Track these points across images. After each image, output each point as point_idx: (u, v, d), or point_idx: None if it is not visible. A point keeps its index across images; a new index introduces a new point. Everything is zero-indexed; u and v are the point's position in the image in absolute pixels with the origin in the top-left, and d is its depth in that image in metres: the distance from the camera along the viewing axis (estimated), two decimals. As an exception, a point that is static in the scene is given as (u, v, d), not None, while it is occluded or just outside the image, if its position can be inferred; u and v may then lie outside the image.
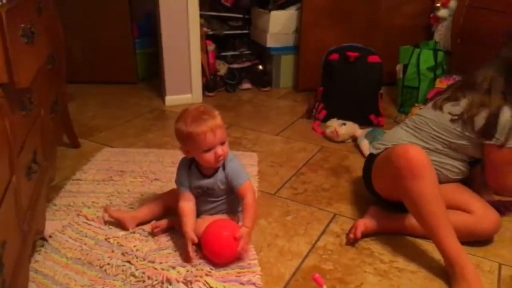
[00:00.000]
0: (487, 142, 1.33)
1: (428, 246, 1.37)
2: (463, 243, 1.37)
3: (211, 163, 1.33)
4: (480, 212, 1.35)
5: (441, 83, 2.36)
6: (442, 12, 2.66)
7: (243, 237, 1.26)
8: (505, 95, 1.32)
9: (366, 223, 1.41)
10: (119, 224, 1.45)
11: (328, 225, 1.51)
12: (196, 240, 1.28)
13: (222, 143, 1.32)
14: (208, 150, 1.30)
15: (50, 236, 1.38)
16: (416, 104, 2.39)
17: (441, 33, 2.76)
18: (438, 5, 2.68)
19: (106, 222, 1.46)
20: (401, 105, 2.57)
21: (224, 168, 1.37)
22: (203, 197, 1.39)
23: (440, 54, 2.49)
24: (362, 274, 1.28)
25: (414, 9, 2.85)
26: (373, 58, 2.38)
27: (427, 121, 1.44)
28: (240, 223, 1.47)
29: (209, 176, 1.37)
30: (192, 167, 1.39)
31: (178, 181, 1.41)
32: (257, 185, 1.75)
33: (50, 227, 1.40)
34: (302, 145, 2.17)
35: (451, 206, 1.37)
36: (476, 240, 1.38)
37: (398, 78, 2.60)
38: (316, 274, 1.11)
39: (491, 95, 1.33)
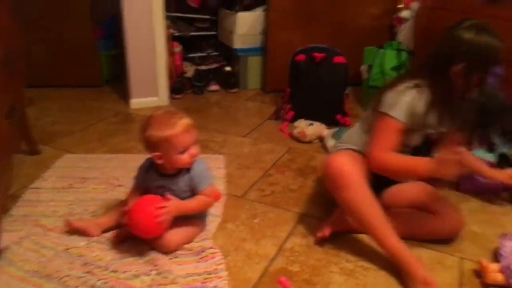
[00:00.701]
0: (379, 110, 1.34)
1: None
2: (427, 240, 1.40)
3: (186, 163, 1.34)
4: (444, 213, 1.37)
5: (405, 83, 2.41)
6: (405, 13, 2.72)
7: (166, 210, 1.27)
8: (421, 82, 1.33)
9: (333, 222, 1.42)
10: (82, 234, 1.40)
11: (295, 226, 1.51)
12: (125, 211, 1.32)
13: (195, 143, 1.35)
14: (184, 151, 1.31)
15: (6, 249, 1.31)
16: (381, 104, 2.43)
17: (404, 33, 2.82)
18: (401, 6, 2.74)
19: (66, 232, 1.41)
20: (366, 105, 2.61)
21: (188, 171, 1.35)
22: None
23: (404, 54, 2.54)
24: (328, 275, 1.28)
25: (378, 10, 2.90)
26: (339, 59, 2.40)
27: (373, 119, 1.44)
28: (206, 228, 1.46)
29: (171, 176, 1.36)
30: (151, 169, 1.38)
31: (135, 181, 1.44)
32: (224, 188, 1.74)
33: (6, 239, 1.33)
34: (270, 146, 2.16)
35: (415, 205, 1.40)
36: (440, 239, 1.40)
37: (363, 79, 2.64)
38: (281, 277, 1.10)
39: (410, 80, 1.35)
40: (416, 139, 1.38)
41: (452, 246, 1.41)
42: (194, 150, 1.33)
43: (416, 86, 1.32)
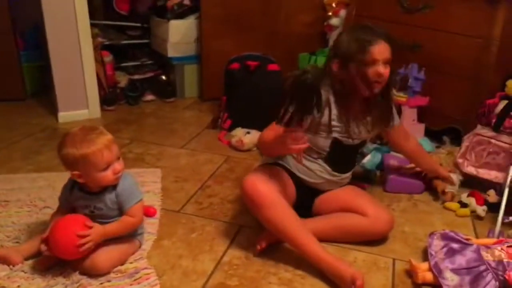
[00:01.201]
0: None
1: (330, 249, 1.41)
2: (359, 242, 1.44)
3: (110, 180, 1.27)
4: (373, 214, 1.42)
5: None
6: (334, 21, 2.81)
7: (89, 238, 1.21)
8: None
9: (269, 234, 1.41)
10: (3, 262, 1.29)
11: (234, 238, 1.49)
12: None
13: (118, 158, 1.28)
14: (106, 168, 1.24)
15: None
16: (316, 109, 2.48)
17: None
18: (330, 14, 2.82)
19: (-16, 263, 1.29)
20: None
21: (115, 188, 1.29)
22: (95, 218, 1.29)
23: (335, 60, 2.62)
24: (267, 286, 1.27)
25: (309, 18, 2.97)
26: (273, 67, 2.43)
27: None
28: (141, 247, 1.40)
29: (97, 193, 1.29)
30: (75, 188, 1.31)
31: (59, 201, 1.38)
32: (160, 203, 1.68)
33: None
34: (208, 156, 2.13)
35: (345, 209, 1.43)
36: (371, 240, 1.45)
37: (298, 85, 2.68)
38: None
39: None
40: (322, 142, 1.43)
41: (385, 247, 1.46)
42: (117, 165, 1.26)
43: None
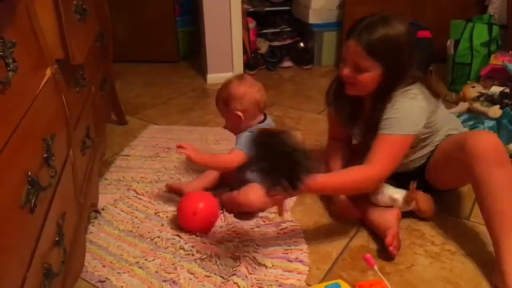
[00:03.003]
0: None
1: (480, 229, 1.31)
2: None
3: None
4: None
5: (496, 59, 2.24)
6: (498, -17, 2.49)
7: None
8: None
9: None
10: (179, 192, 1.49)
11: (375, 205, 1.48)
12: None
13: None
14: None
15: (102, 209, 1.43)
16: (468, 82, 2.27)
17: (496, 6, 2.59)
18: (494, -25, 2.51)
19: (155, 197, 1.50)
20: (451, 83, 2.45)
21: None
22: None
23: (495, 29, 2.34)
24: (412, 256, 1.24)
25: (467, -20, 2.68)
26: (423, 33, 2.27)
27: None
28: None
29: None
30: None
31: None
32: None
33: (102, 200, 1.45)
34: (346, 124, 2.12)
35: None
36: None
37: (448, 54, 2.47)
38: (367, 254, 1.09)
39: None
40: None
41: None
42: None
43: None
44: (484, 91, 2.01)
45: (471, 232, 1.34)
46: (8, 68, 0.74)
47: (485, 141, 1.16)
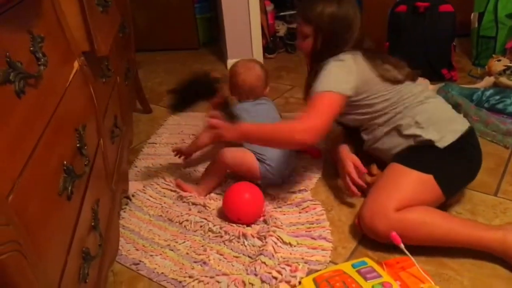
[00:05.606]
0: None
1: (508, 205, 1.30)
2: None
3: None
4: None
5: (523, 31, 2.16)
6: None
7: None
8: None
9: None
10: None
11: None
12: None
13: None
14: None
15: (133, 195, 1.48)
16: (493, 56, 2.21)
17: (522, -26, 2.49)
18: None
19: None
20: (476, 57, 2.39)
21: None
22: None
23: (522, -1, 2.26)
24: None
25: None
26: (445, 7, 2.21)
27: None
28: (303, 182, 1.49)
29: None
30: None
31: None
32: (324, 146, 1.74)
33: (132, 186, 1.50)
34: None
35: None
36: None
37: (472, 28, 2.41)
38: (393, 231, 1.10)
39: None
40: None
41: None
42: None
43: None
44: (510, 64, 1.96)
45: (498, 207, 1.33)
46: (39, 63, 0.78)
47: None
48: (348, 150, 1.44)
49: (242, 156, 1.43)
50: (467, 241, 1.12)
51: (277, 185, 1.48)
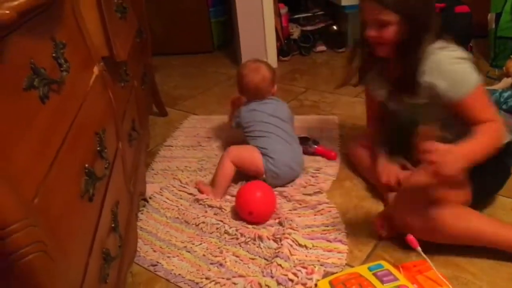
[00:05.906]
0: None
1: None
2: None
3: None
4: None
5: (542, 31, 2.13)
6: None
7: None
8: None
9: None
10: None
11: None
12: None
13: None
14: None
15: (150, 198, 1.50)
16: (511, 57, 2.18)
17: (541, -26, 2.45)
18: None
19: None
20: (493, 59, 2.36)
21: None
22: None
23: (541, -2, 2.22)
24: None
25: None
26: (461, 8, 2.18)
27: None
28: (317, 185, 1.50)
29: None
30: None
31: None
32: (339, 148, 1.74)
33: (150, 189, 1.52)
34: (384, 105, 2.09)
35: None
36: None
37: (490, 29, 2.37)
38: (409, 235, 1.10)
39: None
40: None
41: None
42: None
43: None
44: (529, 65, 1.93)
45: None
46: (62, 69, 0.80)
47: None
48: (387, 160, 1.41)
49: (245, 150, 1.52)
50: (495, 240, 1.11)
51: (285, 183, 1.51)
